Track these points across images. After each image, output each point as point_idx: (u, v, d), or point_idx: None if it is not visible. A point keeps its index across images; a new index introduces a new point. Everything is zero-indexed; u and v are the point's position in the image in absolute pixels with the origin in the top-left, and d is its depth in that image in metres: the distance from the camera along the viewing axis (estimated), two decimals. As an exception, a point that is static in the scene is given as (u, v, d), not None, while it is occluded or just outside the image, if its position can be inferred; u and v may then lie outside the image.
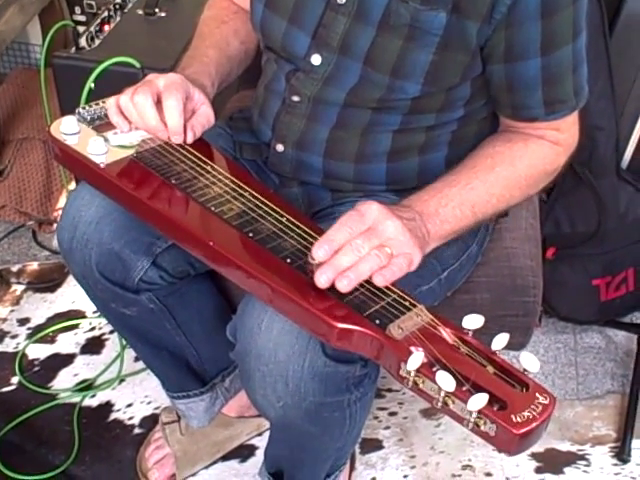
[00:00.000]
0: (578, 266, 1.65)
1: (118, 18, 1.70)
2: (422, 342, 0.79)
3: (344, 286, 0.80)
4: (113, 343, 1.69)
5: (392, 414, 1.57)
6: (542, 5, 0.93)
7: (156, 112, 0.98)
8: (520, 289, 1.26)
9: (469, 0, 0.94)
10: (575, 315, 1.71)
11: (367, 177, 1.11)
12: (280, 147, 1.14)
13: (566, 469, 1.49)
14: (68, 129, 1.06)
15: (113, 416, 1.55)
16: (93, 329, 1.72)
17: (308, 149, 1.11)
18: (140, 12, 1.71)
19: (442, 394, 0.75)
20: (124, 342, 1.63)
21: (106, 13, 1.68)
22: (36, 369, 1.63)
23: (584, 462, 1.50)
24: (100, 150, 1.02)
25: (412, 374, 0.76)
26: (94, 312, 1.75)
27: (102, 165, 1.01)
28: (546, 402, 0.75)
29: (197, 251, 0.94)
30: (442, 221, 0.94)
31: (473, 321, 0.82)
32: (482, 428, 0.74)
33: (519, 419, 0.73)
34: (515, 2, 0.92)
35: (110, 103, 1.02)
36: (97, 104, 1.13)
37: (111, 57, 1.39)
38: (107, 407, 1.56)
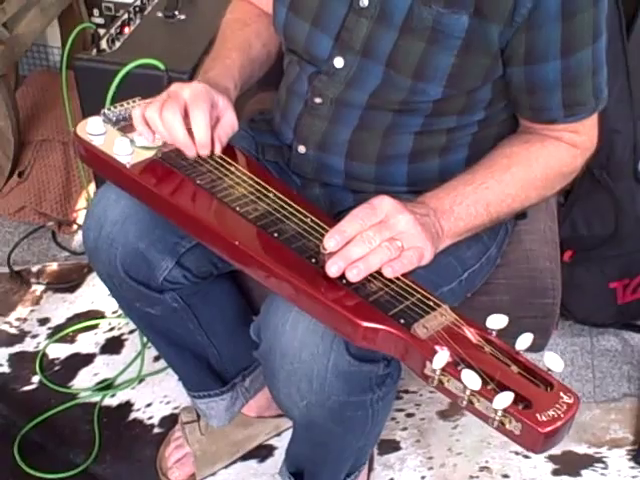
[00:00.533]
0: (595, 269, 1.66)
1: (138, 21, 1.71)
2: (447, 341, 0.80)
3: (353, 275, 0.82)
4: (132, 343, 1.70)
5: (409, 415, 1.57)
6: (563, 7, 0.94)
7: (184, 128, 0.98)
8: (539, 291, 1.26)
9: (491, 3, 0.94)
10: (592, 318, 1.71)
11: (388, 178, 1.12)
12: (302, 148, 1.15)
13: (583, 472, 1.49)
14: (94, 130, 1.08)
15: (133, 415, 1.56)
16: (112, 329, 1.74)
17: (330, 150, 1.13)
18: (160, 15, 1.72)
19: (467, 393, 0.76)
20: (144, 341, 1.65)
21: (126, 16, 1.70)
22: (56, 368, 1.65)
23: (601, 465, 1.50)
24: (126, 151, 1.04)
25: (437, 373, 0.77)
26: (113, 312, 1.77)
27: (128, 165, 1.02)
28: (570, 401, 0.76)
29: (223, 251, 0.95)
30: (456, 218, 0.95)
31: (497, 321, 0.83)
32: (507, 427, 0.75)
33: (544, 418, 0.73)
34: (536, 4, 0.93)
35: (136, 114, 1.02)
36: (122, 105, 1.14)
37: (134, 59, 1.40)
38: (127, 407, 1.58)
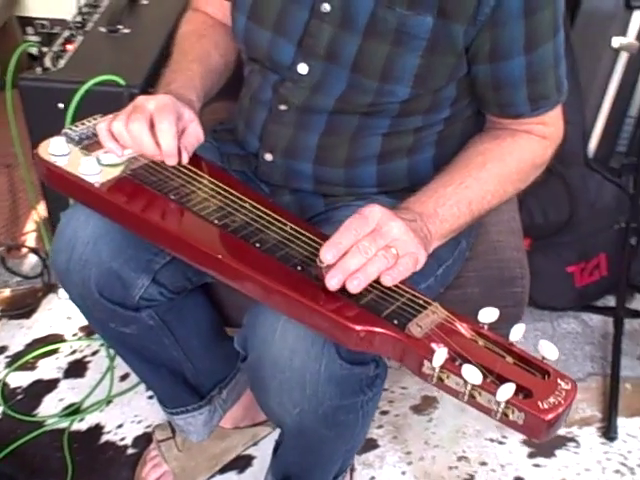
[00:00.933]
0: (553, 255, 1.70)
1: (80, 37, 1.68)
2: (442, 338, 0.81)
3: (354, 287, 0.82)
4: (96, 365, 1.67)
5: (384, 413, 1.58)
6: (525, 5, 0.96)
7: (152, 138, 0.97)
8: (508, 281, 1.29)
9: (454, 3, 0.96)
10: (552, 303, 1.76)
11: (358, 181, 1.13)
12: (269, 156, 1.14)
13: (557, 452, 1.53)
14: (57, 150, 1.05)
15: (104, 438, 1.53)
16: (74, 352, 1.70)
17: (298, 157, 1.12)
18: (103, 30, 1.69)
19: (468, 387, 0.76)
20: (111, 361, 1.62)
21: (67, 33, 1.66)
22: (19, 397, 1.60)
23: (574, 444, 1.54)
24: (93, 170, 1.01)
25: (436, 370, 0.78)
26: (73, 335, 1.73)
27: (97, 185, 1.00)
28: (568, 387, 0.78)
29: (205, 266, 0.94)
30: (442, 220, 0.96)
31: (488, 315, 0.84)
32: (510, 417, 0.76)
33: (546, 405, 0.75)
34: (499, 3, 0.95)
35: (101, 128, 1.01)
36: (82, 124, 1.12)
37: (84, 76, 1.37)
38: (97, 430, 1.54)
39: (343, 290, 0.85)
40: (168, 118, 0.98)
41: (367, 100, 1.03)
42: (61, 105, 1.48)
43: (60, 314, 1.78)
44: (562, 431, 1.56)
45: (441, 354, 0.77)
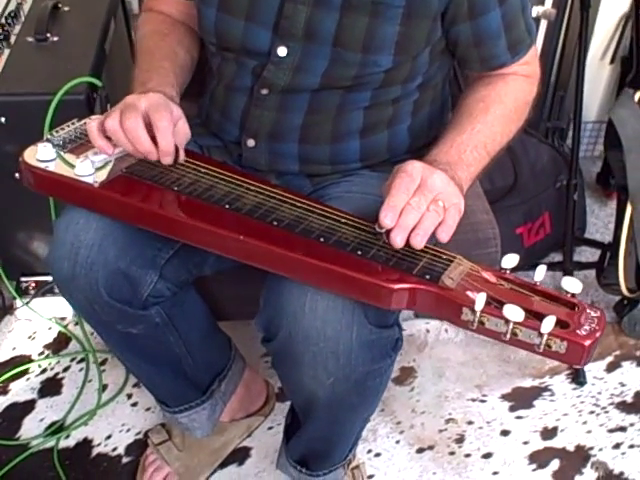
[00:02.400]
0: (502, 218, 1.75)
1: (7, 49, 1.64)
2: (475, 286, 0.86)
3: (418, 242, 0.88)
4: (70, 380, 1.63)
5: (366, 389, 1.62)
6: None
7: (148, 136, 0.98)
8: (483, 242, 1.35)
9: None
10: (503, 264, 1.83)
11: (343, 156, 1.16)
12: (251, 142, 1.16)
13: (535, 402, 1.61)
14: (46, 156, 1.04)
15: (95, 451, 1.50)
16: (45, 371, 1.66)
17: (282, 139, 1.15)
18: (30, 39, 1.65)
19: (510, 326, 0.81)
20: (85, 377, 1.60)
21: (-10, 45, 1.62)
22: (-3, 423, 1.55)
23: (548, 393, 1.63)
24: (89, 171, 1.01)
25: (477, 315, 0.83)
26: (40, 354, 1.69)
27: (96, 185, 1.00)
28: (598, 314, 0.84)
29: (227, 249, 0.95)
30: (467, 165, 1.01)
31: (510, 260, 0.90)
32: (553, 348, 0.81)
33: (584, 332, 0.81)
34: None
35: (92, 127, 1.01)
36: (62, 129, 1.12)
37: (24, 88, 1.35)
38: (86, 444, 1.51)
39: (370, 255, 0.89)
40: (165, 115, 0.98)
41: (352, 73, 1.07)
42: (2, 119, 1.47)
43: (21, 334, 1.73)
44: (536, 382, 1.65)
45: (481, 299, 0.82)
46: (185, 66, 1.19)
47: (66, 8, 1.78)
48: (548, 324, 0.79)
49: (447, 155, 1.00)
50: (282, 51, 1.07)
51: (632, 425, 1.57)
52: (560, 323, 0.81)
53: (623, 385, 1.64)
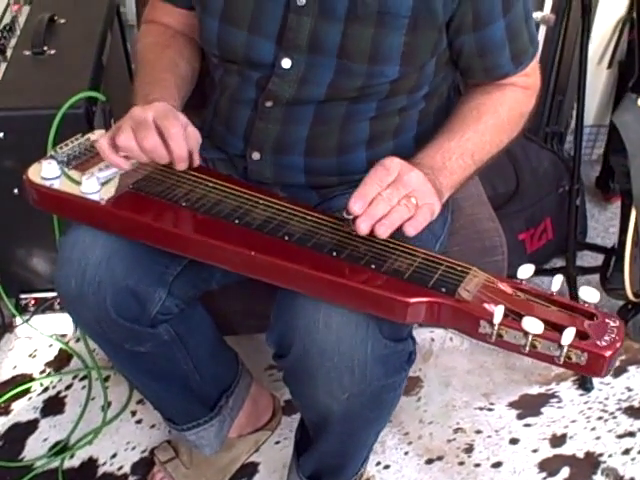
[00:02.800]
0: (504, 225, 1.75)
1: (3, 63, 1.62)
2: (491, 298, 0.85)
3: (382, 232, 0.87)
4: (73, 399, 1.61)
5: (373, 400, 1.61)
6: None
7: (164, 147, 0.97)
8: (489, 250, 1.35)
9: None
10: (509, 272, 1.83)
11: (350, 168, 1.15)
12: (257, 155, 1.15)
13: (543, 409, 1.60)
14: (50, 173, 1.03)
15: (101, 471, 1.48)
16: (47, 390, 1.64)
17: (288, 151, 1.14)
18: (28, 53, 1.63)
19: (530, 338, 0.80)
20: (88, 394, 1.58)
21: (-13, 60, 1.60)
22: (0, 444, 1.53)
23: (556, 399, 1.62)
24: (95, 188, 1.00)
25: (495, 328, 0.82)
26: (41, 372, 1.67)
27: (103, 202, 0.99)
28: (617, 324, 0.83)
29: (238, 266, 0.94)
30: (451, 172, 1.01)
31: (525, 271, 0.89)
32: (573, 360, 0.80)
33: (604, 343, 0.80)
34: None
35: (102, 144, 0.99)
36: (67, 145, 1.10)
37: (24, 102, 1.33)
38: (91, 463, 1.49)
39: (385, 269, 0.88)
40: (175, 123, 0.97)
41: (358, 84, 1.06)
42: (1, 134, 1.45)
43: (22, 353, 1.71)
44: (542, 389, 1.64)
45: (499, 311, 0.81)
46: (186, 77, 1.18)
47: (62, 20, 1.76)
48: (568, 336, 0.78)
49: (432, 160, 1.00)
50: (286, 63, 1.06)
51: (641, 430, 1.56)
52: (580, 334, 0.80)
53: (630, 390, 1.64)
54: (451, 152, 1.02)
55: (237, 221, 0.95)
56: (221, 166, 1.19)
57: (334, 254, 0.90)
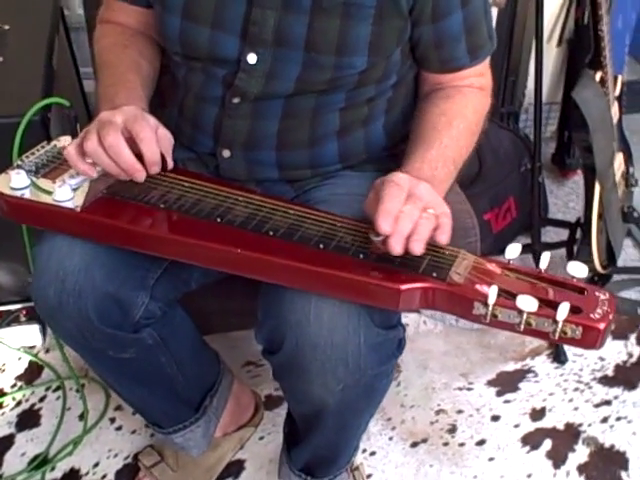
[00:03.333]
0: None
1: (-52, 74, 1.57)
2: (482, 279, 0.85)
3: (418, 249, 0.86)
4: (48, 411, 1.58)
5: (353, 388, 1.61)
6: None
7: (130, 151, 0.95)
8: (462, 232, 1.35)
9: None
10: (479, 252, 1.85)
11: (322, 159, 1.14)
12: (227, 152, 1.13)
13: (520, 385, 1.62)
14: (20, 183, 1.00)
15: (85, 481, 1.46)
16: (20, 403, 1.60)
17: (259, 147, 1.12)
18: (-27, 61, 1.59)
19: (524, 317, 0.81)
20: (62, 405, 1.55)
21: None
22: (-24, 463, 1.49)
23: (532, 374, 1.65)
24: (68, 195, 0.98)
25: (489, 309, 0.82)
26: (12, 386, 1.63)
27: (78, 209, 0.96)
28: (607, 297, 0.84)
29: (225, 264, 0.93)
30: (440, 182, 1.00)
31: (513, 250, 0.90)
32: (569, 335, 0.81)
33: (597, 316, 0.81)
34: None
35: (70, 152, 0.97)
36: (33, 154, 1.08)
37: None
38: (74, 474, 1.46)
39: (374, 258, 0.88)
40: (145, 126, 0.95)
41: (326, 76, 1.05)
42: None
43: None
44: (518, 365, 1.66)
45: (493, 292, 0.81)
46: (149, 77, 1.16)
47: (6, 27, 1.71)
48: (563, 311, 0.79)
49: (420, 172, 0.98)
50: (252, 58, 1.05)
51: (616, 398, 1.59)
52: (573, 309, 0.81)
53: (603, 359, 1.67)
54: (435, 161, 1.01)
55: (219, 219, 0.94)
56: (192, 165, 1.17)
57: (321, 246, 0.90)
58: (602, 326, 0.80)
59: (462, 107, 1.10)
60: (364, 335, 0.92)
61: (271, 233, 0.92)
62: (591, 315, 0.81)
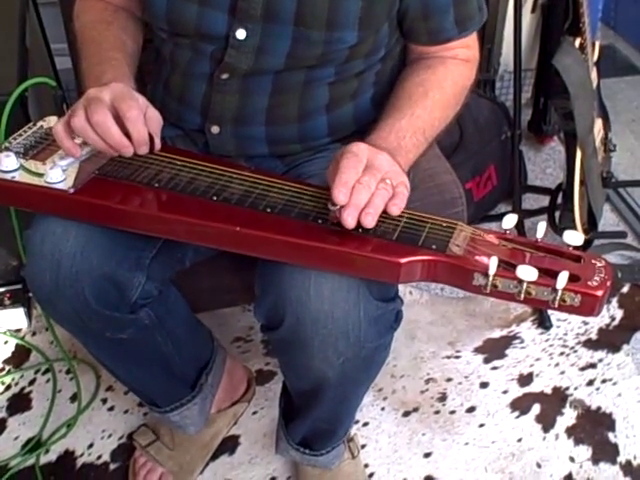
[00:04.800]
0: None
1: None
2: (481, 250, 0.86)
3: (369, 222, 0.86)
4: (39, 393, 1.58)
5: (343, 360, 1.63)
6: None
7: (118, 128, 0.94)
8: (450, 202, 1.36)
9: None
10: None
11: (312, 133, 1.14)
12: (216, 129, 1.13)
13: (507, 351, 1.65)
14: (9, 165, 0.99)
15: (80, 462, 1.45)
16: (9, 387, 1.59)
17: (248, 122, 1.12)
18: (-55, 44, 1.55)
19: (524, 286, 0.82)
20: (53, 387, 1.54)
21: None
22: (-31, 448, 1.48)
23: (518, 340, 1.67)
24: (60, 177, 0.96)
25: (490, 279, 0.83)
26: (0, 371, 1.62)
27: (71, 191, 0.95)
28: (604, 264, 0.85)
29: (224, 242, 0.92)
30: (406, 152, 1.00)
31: (509, 221, 0.90)
32: (568, 302, 0.82)
33: (595, 283, 0.82)
34: None
35: (57, 129, 0.96)
36: (20, 135, 1.06)
37: None
38: (69, 456, 1.46)
39: (372, 232, 0.88)
40: (133, 104, 0.94)
41: (317, 52, 1.04)
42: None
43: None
44: (504, 332, 1.69)
45: (494, 262, 0.82)
46: (133, 54, 1.14)
47: (-27, 4, 1.68)
48: (562, 279, 0.80)
49: (386, 141, 0.98)
50: (241, 34, 1.04)
51: (601, 361, 1.63)
52: (571, 277, 0.83)
53: (586, 324, 1.70)
54: (404, 131, 1.01)
55: (215, 198, 0.94)
56: (180, 143, 1.16)
57: (319, 222, 0.90)
58: (600, 293, 0.82)
59: (441, 79, 1.10)
60: (364, 308, 0.93)
61: (268, 210, 0.92)
62: (589, 283, 0.82)
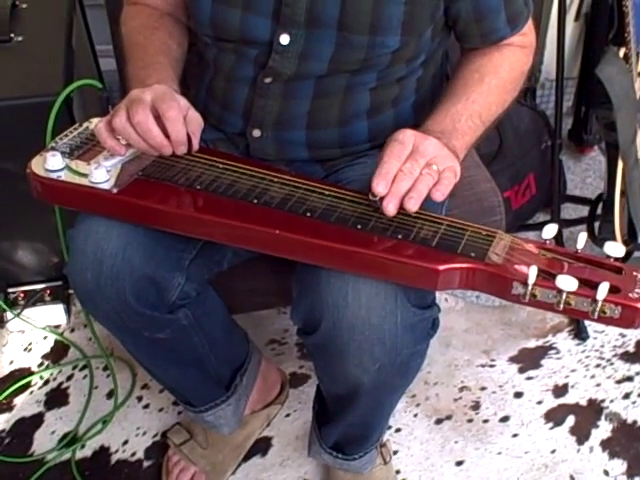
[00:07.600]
0: None
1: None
2: (521, 260, 0.86)
3: (412, 205, 0.87)
4: (76, 389, 1.60)
5: (376, 366, 1.63)
6: None
7: (159, 128, 0.95)
8: (488, 210, 1.36)
9: None
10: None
11: (352, 138, 1.15)
12: (257, 132, 1.14)
13: (542, 361, 1.64)
14: (55, 165, 1.01)
15: (115, 458, 1.47)
16: (47, 382, 1.62)
17: (289, 126, 1.13)
18: (-6, 41, 1.59)
19: (563, 296, 0.82)
20: (89, 383, 1.56)
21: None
22: (7, 441, 1.51)
23: (554, 351, 1.66)
24: (104, 177, 0.98)
25: (529, 289, 0.83)
26: (39, 365, 1.65)
27: (115, 191, 0.97)
28: (646, 276, 0.85)
29: (264, 245, 0.93)
30: (462, 134, 1.01)
31: (549, 231, 0.90)
32: (608, 314, 0.82)
33: (636, 295, 0.82)
34: None
35: (100, 129, 0.98)
36: (66, 135, 1.08)
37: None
38: (104, 452, 1.49)
39: (411, 238, 0.88)
40: (173, 105, 0.96)
41: (360, 56, 1.05)
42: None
43: (17, 347, 1.68)
44: (540, 342, 1.68)
45: (533, 272, 0.82)
46: (178, 59, 1.16)
47: (24, 5, 1.71)
48: (603, 291, 0.80)
49: (441, 125, 1.00)
50: (284, 39, 1.05)
51: (638, 374, 1.61)
52: (611, 289, 0.82)
53: (624, 336, 1.68)
54: (459, 114, 1.03)
55: (256, 201, 0.95)
56: (221, 146, 1.18)
57: (359, 227, 0.90)
58: (641, 305, 0.81)
59: (497, 64, 1.10)
60: (401, 315, 0.93)
61: (308, 214, 0.93)
62: (630, 295, 0.82)
